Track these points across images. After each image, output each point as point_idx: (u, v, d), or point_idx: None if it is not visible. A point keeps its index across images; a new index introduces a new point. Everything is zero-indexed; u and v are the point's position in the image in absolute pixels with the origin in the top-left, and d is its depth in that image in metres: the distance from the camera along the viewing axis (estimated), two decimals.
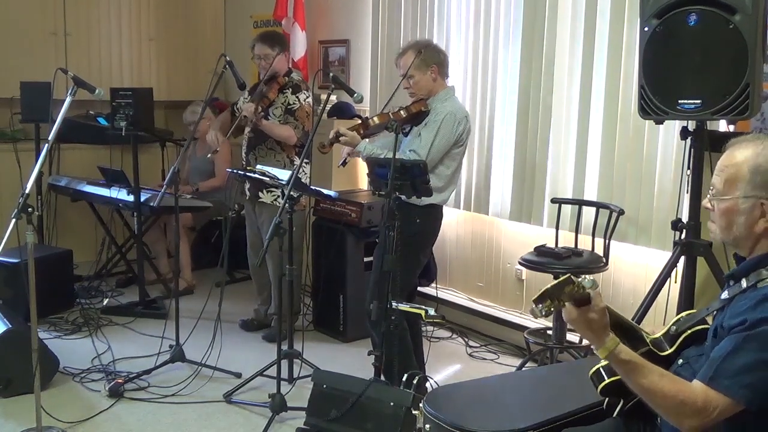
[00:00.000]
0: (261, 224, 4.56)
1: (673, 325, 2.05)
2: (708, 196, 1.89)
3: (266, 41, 4.46)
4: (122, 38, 6.35)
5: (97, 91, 3.48)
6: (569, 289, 1.69)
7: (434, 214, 3.66)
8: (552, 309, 1.71)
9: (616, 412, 2.10)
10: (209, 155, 4.54)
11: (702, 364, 1.87)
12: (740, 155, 1.81)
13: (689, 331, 2.00)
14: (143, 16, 6.45)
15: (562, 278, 1.69)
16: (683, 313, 2.10)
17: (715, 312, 1.91)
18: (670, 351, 2.00)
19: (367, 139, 3.68)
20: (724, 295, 1.87)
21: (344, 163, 3.79)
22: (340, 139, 3.58)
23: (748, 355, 1.67)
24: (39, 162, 3.23)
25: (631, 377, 1.76)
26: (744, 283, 1.80)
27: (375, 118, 3.66)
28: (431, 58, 3.64)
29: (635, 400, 2.01)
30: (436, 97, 3.65)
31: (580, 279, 1.70)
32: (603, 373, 1.99)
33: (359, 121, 3.68)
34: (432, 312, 3.02)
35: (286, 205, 3.49)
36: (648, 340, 2.02)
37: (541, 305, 1.69)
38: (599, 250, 3.80)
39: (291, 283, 3.72)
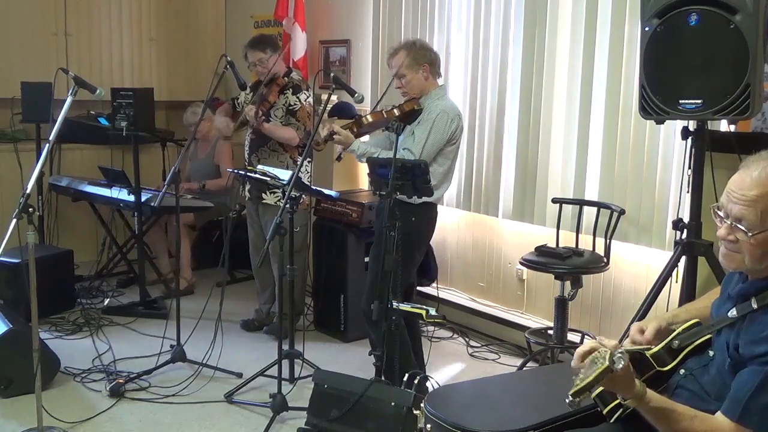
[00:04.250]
0: (265, 224, 4.55)
1: (675, 339, 2.03)
2: (726, 226, 1.81)
3: (256, 46, 4.47)
4: (123, 38, 6.35)
5: (97, 91, 3.48)
6: (607, 378, 1.68)
7: (429, 212, 3.66)
8: (588, 395, 1.71)
9: (614, 419, 2.10)
10: (221, 141, 4.57)
11: (709, 378, 1.86)
12: None
13: (691, 347, 2.00)
14: (144, 16, 6.45)
15: (600, 370, 1.66)
16: (684, 325, 2.08)
17: (721, 328, 1.89)
18: (672, 365, 2.00)
19: (360, 138, 3.68)
20: (732, 312, 1.84)
21: (339, 158, 3.79)
22: (334, 137, 3.58)
23: None
24: (40, 162, 3.23)
25: (662, 423, 1.77)
26: (754, 304, 1.78)
27: (368, 117, 3.67)
28: (422, 57, 3.64)
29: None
30: (429, 95, 3.66)
31: (616, 366, 1.67)
32: (606, 398, 1.97)
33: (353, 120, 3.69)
34: (433, 312, 3.02)
35: (287, 205, 3.50)
36: (649, 356, 2.01)
37: (579, 399, 1.68)
38: (600, 250, 3.79)
39: (292, 282, 3.72)
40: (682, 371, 1.95)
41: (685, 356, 1.99)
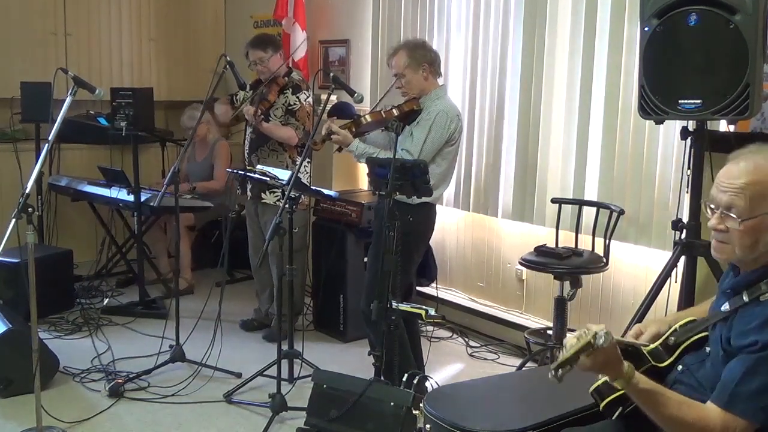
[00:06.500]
0: (264, 224, 4.55)
1: (671, 336, 2.05)
2: (717, 216, 1.83)
3: (258, 46, 4.47)
4: (122, 38, 6.35)
5: (97, 91, 3.48)
6: (588, 352, 1.71)
7: (427, 212, 3.66)
8: (570, 369, 1.73)
9: (615, 416, 2.11)
10: (219, 142, 4.91)
11: (704, 372, 1.87)
12: (761, 171, 1.76)
13: (687, 342, 2.01)
14: (143, 16, 6.44)
15: (581, 344, 1.70)
16: (680, 322, 2.10)
17: (715, 323, 1.90)
18: (669, 361, 2.01)
19: (358, 138, 3.68)
20: (725, 307, 1.86)
21: (340, 149, 3.75)
22: (332, 137, 3.59)
23: (763, 378, 1.70)
24: (39, 162, 3.23)
25: (650, 406, 1.78)
26: (745, 297, 1.80)
27: (367, 117, 3.66)
28: (423, 57, 3.64)
29: (634, 404, 2.02)
30: (428, 95, 3.66)
31: (597, 341, 1.70)
32: (603, 391, 1.99)
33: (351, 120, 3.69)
34: (432, 312, 3.03)
35: (287, 205, 3.50)
36: (646, 352, 2.03)
37: (561, 371, 1.71)
38: (599, 250, 3.79)
39: (291, 282, 3.72)
40: (679, 367, 1.97)
41: (683, 353, 2.00)
